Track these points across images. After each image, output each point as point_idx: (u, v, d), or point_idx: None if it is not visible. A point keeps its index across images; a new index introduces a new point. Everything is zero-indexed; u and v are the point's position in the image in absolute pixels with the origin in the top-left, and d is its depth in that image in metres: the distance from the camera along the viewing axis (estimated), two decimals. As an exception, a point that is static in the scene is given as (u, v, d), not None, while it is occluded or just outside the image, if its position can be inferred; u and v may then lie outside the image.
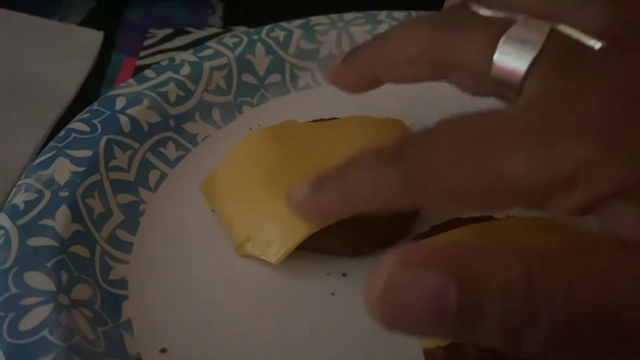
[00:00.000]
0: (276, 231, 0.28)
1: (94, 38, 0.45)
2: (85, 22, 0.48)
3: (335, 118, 0.34)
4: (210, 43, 0.38)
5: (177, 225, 0.31)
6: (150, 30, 0.47)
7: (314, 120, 0.34)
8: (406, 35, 0.24)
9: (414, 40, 0.24)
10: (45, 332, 0.23)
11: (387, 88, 0.39)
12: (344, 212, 0.24)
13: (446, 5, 0.26)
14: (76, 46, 0.44)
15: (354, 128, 0.32)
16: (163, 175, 0.33)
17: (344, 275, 0.29)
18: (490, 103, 0.25)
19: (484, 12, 0.23)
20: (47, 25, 0.46)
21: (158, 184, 0.33)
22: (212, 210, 0.31)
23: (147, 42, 0.45)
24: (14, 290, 0.25)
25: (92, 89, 0.42)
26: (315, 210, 0.25)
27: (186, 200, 0.32)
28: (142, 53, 0.44)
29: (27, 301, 0.24)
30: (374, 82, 0.27)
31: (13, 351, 0.23)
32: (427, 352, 0.24)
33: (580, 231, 0.27)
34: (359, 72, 0.27)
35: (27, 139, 0.37)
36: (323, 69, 0.39)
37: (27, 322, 0.23)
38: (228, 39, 0.38)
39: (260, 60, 0.38)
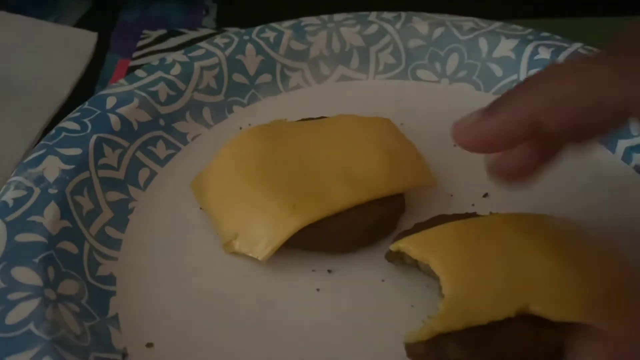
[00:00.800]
0: (263, 228, 0.29)
1: (88, 39, 0.45)
2: (81, 23, 0.49)
3: (325, 117, 0.34)
4: (201, 43, 0.38)
5: (166, 222, 0.31)
6: (144, 31, 0.47)
7: (303, 120, 0.34)
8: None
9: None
10: (30, 326, 0.23)
11: (376, 90, 0.40)
12: (527, 128, 0.22)
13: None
14: (70, 47, 0.45)
15: (342, 126, 0.33)
16: (153, 174, 0.33)
17: (329, 271, 0.29)
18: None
19: None
20: (42, 26, 0.46)
21: (148, 182, 0.33)
22: (201, 209, 0.32)
23: (140, 43, 0.46)
24: (1, 285, 0.25)
25: (86, 89, 0.42)
26: (491, 132, 0.22)
27: (175, 199, 0.32)
28: (136, 54, 0.44)
29: (14, 295, 0.25)
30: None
31: (0, 344, 0.23)
32: (408, 347, 0.24)
33: (564, 227, 0.28)
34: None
35: (20, 139, 0.38)
36: (314, 69, 0.40)
37: (14, 316, 0.24)
38: (219, 39, 0.39)
39: (251, 61, 0.38)
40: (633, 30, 0.22)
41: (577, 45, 0.38)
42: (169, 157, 0.34)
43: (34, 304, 0.24)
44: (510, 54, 0.38)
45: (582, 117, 0.22)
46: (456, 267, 0.25)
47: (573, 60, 0.23)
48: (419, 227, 0.28)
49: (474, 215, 0.28)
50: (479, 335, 0.23)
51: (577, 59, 0.23)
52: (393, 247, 0.27)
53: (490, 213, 0.28)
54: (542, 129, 0.22)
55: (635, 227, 0.31)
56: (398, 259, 0.28)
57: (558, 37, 0.39)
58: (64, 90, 0.41)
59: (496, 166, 0.26)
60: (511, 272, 0.25)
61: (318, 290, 0.28)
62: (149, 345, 0.26)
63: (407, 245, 0.27)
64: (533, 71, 0.38)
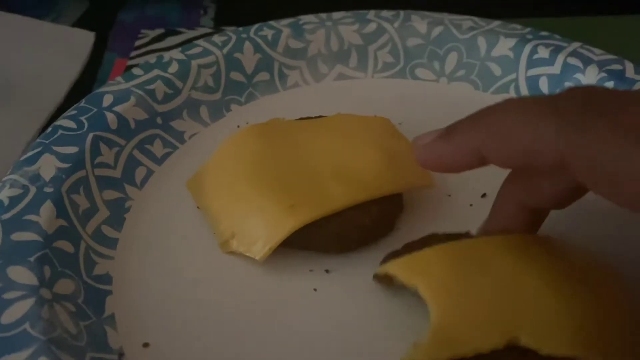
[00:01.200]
0: (261, 228, 0.28)
1: (85, 38, 0.45)
2: (79, 23, 0.49)
3: (323, 116, 0.34)
4: (199, 41, 0.38)
5: (162, 222, 0.31)
6: (142, 31, 0.47)
7: (301, 119, 0.34)
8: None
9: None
10: (26, 326, 0.23)
11: (375, 89, 0.39)
12: (474, 160, 0.22)
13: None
14: (68, 47, 0.45)
15: (340, 125, 0.32)
16: (150, 172, 0.33)
17: (327, 271, 0.29)
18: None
19: None
20: (39, 26, 0.46)
21: (144, 181, 0.33)
22: (198, 208, 0.31)
23: (138, 43, 0.46)
24: (-4, 284, 0.25)
25: (83, 89, 0.42)
26: (442, 156, 0.23)
27: (172, 198, 0.32)
28: (133, 53, 0.44)
29: (9, 295, 0.24)
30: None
31: (-6, 344, 0.23)
32: None
33: (559, 251, 0.26)
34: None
35: (17, 138, 0.37)
36: (312, 68, 0.39)
37: (9, 316, 0.24)
38: (217, 38, 0.38)
39: (249, 59, 0.38)
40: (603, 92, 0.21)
41: (576, 45, 0.38)
42: (166, 156, 0.34)
43: (29, 303, 0.24)
44: (509, 53, 0.38)
45: (522, 159, 0.21)
46: (444, 294, 0.24)
47: (531, 97, 0.22)
48: (408, 248, 0.27)
49: (467, 235, 0.27)
50: None
51: (536, 97, 0.22)
52: (380, 270, 0.27)
53: (483, 235, 0.27)
54: (488, 162, 0.22)
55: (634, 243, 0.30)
56: (387, 281, 0.27)
57: (557, 36, 0.39)
58: (62, 90, 0.41)
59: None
60: (502, 301, 0.23)
61: (315, 290, 0.28)
62: (146, 345, 0.26)
63: (395, 269, 0.26)
64: (532, 70, 0.38)
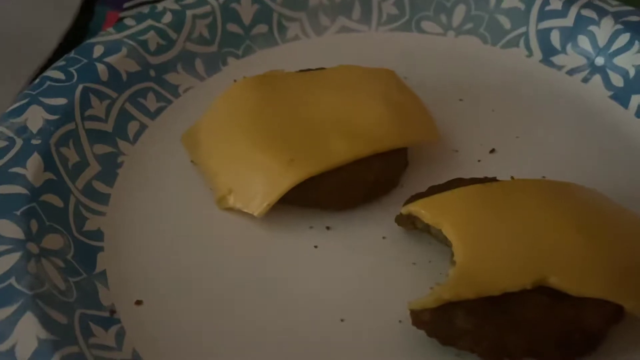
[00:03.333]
0: (259, 183, 0.27)
1: (75, -11, 0.43)
2: (69, -25, 0.47)
3: (324, 68, 0.32)
4: (194, -9, 0.36)
5: (156, 177, 0.30)
6: (135, -17, 0.45)
7: (301, 71, 0.32)
8: None
9: None
10: (12, 280, 0.22)
11: (379, 42, 0.38)
12: None
13: None
14: (57, -2, 0.43)
15: (342, 77, 0.31)
16: (143, 127, 0.32)
17: (327, 228, 0.28)
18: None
19: None
20: (28, -24, 0.44)
21: (137, 136, 0.31)
22: (192, 162, 0.30)
23: (131, -6, 0.43)
24: (-20, 238, 0.24)
25: (74, 43, 0.40)
26: None
27: (166, 153, 0.31)
28: (126, 4, 0.42)
29: (-6, 249, 0.23)
30: None
31: (-21, 299, 0.22)
32: (413, 314, 0.23)
33: (589, 197, 0.26)
34: None
35: (5, 91, 0.36)
36: (313, 20, 0.38)
37: (-6, 270, 0.23)
38: (213, -13, 0.37)
39: (246, 9, 0.36)
40: None
41: (590, -4, 0.36)
42: (159, 110, 0.33)
43: (15, 257, 0.23)
44: (520, 5, 0.36)
45: None
46: (471, 233, 0.23)
47: None
48: (433, 190, 0.26)
49: (493, 180, 0.27)
50: (490, 305, 0.22)
51: None
52: (404, 210, 0.26)
53: (512, 178, 0.27)
54: None
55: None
56: (409, 222, 0.26)
57: (570, -13, 0.37)
58: (51, 42, 0.40)
59: None
60: (530, 242, 0.23)
61: (316, 247, 0.27)
62: (138, 302, 0.25)
63: (419, 208, 0.25)
64: (543, 23, 0.36)
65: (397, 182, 0.29)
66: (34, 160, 0.27)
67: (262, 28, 0.37)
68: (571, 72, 0.35)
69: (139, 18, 0.34)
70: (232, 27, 0.36)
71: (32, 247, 0.24)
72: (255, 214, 0.27)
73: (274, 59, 0.36)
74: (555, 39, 0.36)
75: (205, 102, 0.31)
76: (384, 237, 0.27)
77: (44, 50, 0.39)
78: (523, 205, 0.24)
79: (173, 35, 0.34)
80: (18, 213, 0.25)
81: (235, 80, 0.35)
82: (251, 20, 0.36)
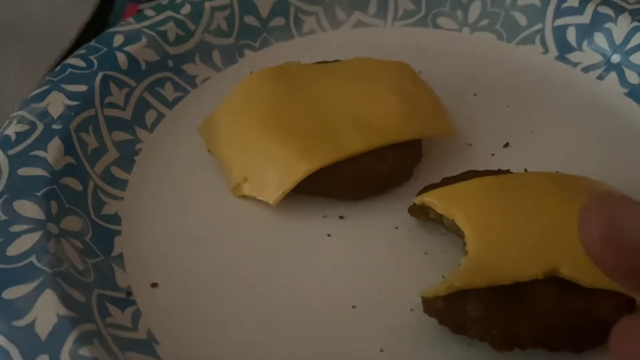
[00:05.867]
0: (274, 172, 0.28)
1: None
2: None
3: (339, 60, 0.33)
4: (213, -17, 0.37)
5: (173, 165, 0.30)
6: (154, -24, 0.45)
7: (317, 62, 0.33)
8: None
9: None
10: (32, 258, 0.23)
11: (394, 37, 0.38)
12: None
13: None
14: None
15: (357, 69, 0.31)
16: (160, 116, 0.32)
17: (341, 217, 0.28)
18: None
19: None
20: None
21: (155, 124, 0.32)
22: (208, 150, 0.31)
23: (150, -13, 0.44)
24: (3, 217, 0.24)
25: (94, 34, 0.41)
26: None
27: (183, 142, 0.31)
28: (145, -2, 0.43)
29: (16, 228, 0.24)
30: None
31: (1, 275, 0.22)
32: (425, 302, 0.23)
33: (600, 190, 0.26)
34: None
35: (26, 80, 0.37)
36: (329, 14, 0.38)
37: (15, 248, 0.23)
38: (231, -20, 0.37)
39: (264, 2, 0.37)
40: None
41: (607, -6, 0.36)
42: (177, 100, 0.33)
43: (35, 236, 0.24)
44: (536, 2, 0.37)
45: None
46: (483, 224, 0.24)
47: None
48: (446, 182, 0.27)
49: (507, 172, 0.27)
50: (501, 294, 0.22)
51: None
52: (418, 200, 0.26)
53: (525, 170, 0.27)
54: None
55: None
56: (422, 213, 0.27)
57: (587, -16, 0.37)
58: (71, 35, 0.40)
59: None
60: (542, 232, 0.23)
61: (329, 235, 0.27)
62: (154, 285, 0.25)
63: (433, 199, 0.25)
64: (560, 20, 0.36)
65: (411, 174, 0.29)
66: (55, 144, 0.27)
67: (279, 21, 0.37)
68: (587, 69, 0.35)
69: (159, 9, 0.35)
70: (250, 20, 0.36)
71: (52, 228, 0.24)
72: (270, 201, 0.27)
73: (290, 52, 0.36)
74: (571, 36, 0.36)
75: (222, 92, 0.32)
76: (396, 227, 0.27)
77: (64, 41, 0.39)
78: (536, 196, 0.25)
79: (191, 26, 0.35)
80: (39, 194, 0.25)
81: (251, 72, 0.35)
82: (268, 13, 0.37)
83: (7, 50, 0.39)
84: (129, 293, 0.25)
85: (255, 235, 0.27)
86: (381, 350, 0.23)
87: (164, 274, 0.26)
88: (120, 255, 0.26)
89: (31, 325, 0.21)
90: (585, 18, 0.35)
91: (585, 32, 0.35)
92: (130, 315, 0.24)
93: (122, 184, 0.29)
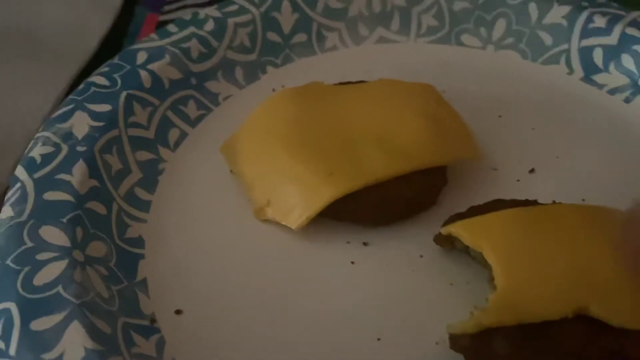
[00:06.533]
0: (298, 196, 0.27)
1: (116, -9, 0.44)
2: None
3: (363, 82, 0.32)
4: (236, -1, 0.36)
5: (196, 186, 0.30)
6: (174, -15, 0.45)
7: (341, 83, 0.32)
8: None
9: None
10: (59, 288, 0.23)
11: (417, 54, 0.38)
12: None
13: None
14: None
15: (381, 91, 0.31)
16: (183, 135, 0.32)
17: (365, 244, 0.28)
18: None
19: None
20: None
21: (178, 143, 0.32)
22: (231, 171, 0.30)
23: (170, -3, 0.44)
24: (29, 244, 0.24)
25: (114, 43, 0.41)
26: None
27: (206, 161, 0.31)
28: (166, 8, 0.43)
29: (42, 256, 0.24)
30: None
31: (27, 305, 0.22)
32: (452, 338, 0.23)
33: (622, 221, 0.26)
34: None
35: (46, 92, 0.37)
36: (352, 30, 0.38)
37: (42, 277, 0.23)
38: (253, -5, 0.37)
39: (287, 18, 0.36)
40: None
41: (635, 14, 0.35)
42: (200, 118, 0.33)
43: (62, 265, 0.23)
44: (562, 21, 0.36)
45: None
46: (512, 258, 0.23)
47: None
48: (473, 211, 0.26)
49: (534, 202, 0.26)
50: (529, 331, 0.22)
51: None
52: (444, 230, 0.26)
53: (554, 202, 0.26)
54: None
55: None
56: (448, 243, 0.26)
57: (615, 4, 0.36)
58: (92, 44, 0.40)
59: None
60: (572, 269, 0.23)
61: (353, 263, 0.27)
62: (178, 312, 0.25)
63: (460, 230, 0.25)
64: (586, 40, 0.35)
65: (436, 200, 0.29)
66: (80, 167, 0.27)
67: (301, 37, 0.37)
68: (613, 91, 0.34)
69: (182, 25, 0.35)
70: (272, 36, 0.36)
71: (78, 255, 0.24)
72: (293, 227, 0.27)
73: (312, 68, 0.36)
74: (597, 57, 0.35)
75: (245, 110, 0.32)
76: (421, 256, 0.27)
77: (84, 52, 0.39)
78: (564, 230, 0.24)
79: (214, 43, 0.34)
80: (64, 220, 0.25)
81: (273, 89, 0.35)
82: (291, 29, 0.36)
83: (28, 59, 0.39)
84: (153, 320, 0.25)
85: (278, 261, 0.27)
86: (407, 385, 0.23)
87: (187, 299, 0.26)
88: (144, 281, 0.26)
89: (59, 358, 0.21)
90: (613, 39, 0.35)
91: (612, 53, 0.35)
92: (155, 343, 0.24)
93: (145, 206, 0.29)
